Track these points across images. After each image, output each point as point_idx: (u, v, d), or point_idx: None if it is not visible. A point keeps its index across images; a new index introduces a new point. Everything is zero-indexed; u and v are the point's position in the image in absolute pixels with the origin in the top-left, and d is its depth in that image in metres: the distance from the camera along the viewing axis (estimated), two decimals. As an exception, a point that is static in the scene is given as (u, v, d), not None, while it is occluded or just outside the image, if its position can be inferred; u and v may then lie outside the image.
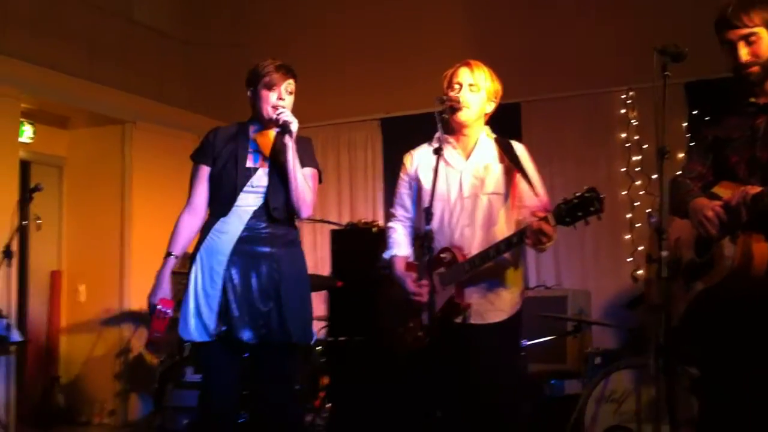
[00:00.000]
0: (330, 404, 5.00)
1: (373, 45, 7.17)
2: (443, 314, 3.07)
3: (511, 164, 3.21)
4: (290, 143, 3.24)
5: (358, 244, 4.53)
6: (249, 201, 3.27)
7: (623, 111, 6.31)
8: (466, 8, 6.95)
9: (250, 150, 3.33)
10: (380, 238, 4.60)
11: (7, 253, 4.90)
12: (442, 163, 3.23)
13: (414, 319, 3.21)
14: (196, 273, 3.24)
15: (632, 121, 6.26)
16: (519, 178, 3.20)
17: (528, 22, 6.74)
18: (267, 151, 3.33)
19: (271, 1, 7.62)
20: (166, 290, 3.27)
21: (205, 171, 3.31)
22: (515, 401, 3.27)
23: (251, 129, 3.37)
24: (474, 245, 3.13)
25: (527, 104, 6.51)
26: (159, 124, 7.06)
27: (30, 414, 6.46)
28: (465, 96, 3.19)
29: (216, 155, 3.30)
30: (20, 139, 6.32)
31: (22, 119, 6.32)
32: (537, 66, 6.54)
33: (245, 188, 3.26)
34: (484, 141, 3.30)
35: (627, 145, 6.24)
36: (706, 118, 5.84)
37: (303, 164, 3.31)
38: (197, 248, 3.28)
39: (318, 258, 6.73)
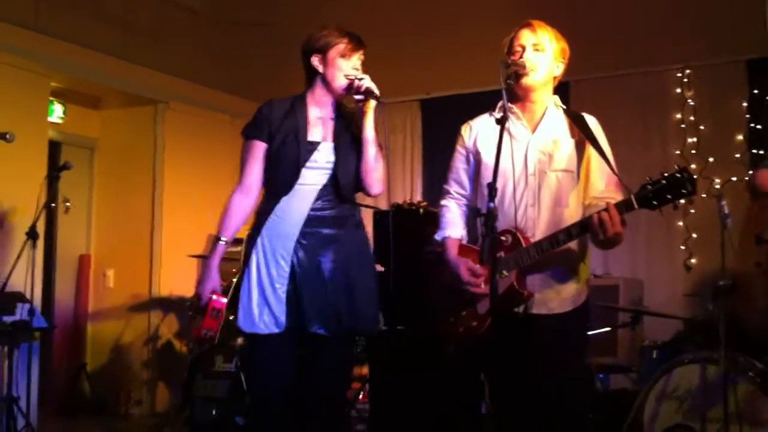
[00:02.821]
0: (368, 396, 4.73)
1: (412, 22, 6.87)
2: (502, 303, 2.77)
3: (584, 139, 2.89)
4: (371, 113, 3.05)
5: (403, 227, 4.23)
6: (313, 178, 3.04)
7: (678, 90, 5.96)
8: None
9: (310, 123, 3.09)
10: (427, 220, 4.34)
11: (32, 233, 4.68)
12: (505, 135, 2.94)
13: (467, 308, 2.91)
14: (258, 259, 2.99)
15: (688, 100, 5.91)
16: (592, 155, 2.89)
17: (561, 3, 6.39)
18: (330, 124, 3.11)
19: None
20: (216, 281, 3.02)
21: (260, 147, 3.05)
22: (582, 403, 2.97)
23: (310, 100, 3.12)
24: (539, 228, 2.83)
25: (577, 83, 6.11)
26: (192, 105, 6.84)
27: (55, 402, 6.31)
28: (530, 58, 2.88)
29: (273, 130, 3.04)
30: (50, 119, 6.13)
31: (51, 98, 6.12)
32: (587, 43, 6.13)
33: (308, 164, 3.02)
34: (552, 112, 2.98)
35: (682, 126, 5.89)
36: (768, 98, 5.68)
37: None
38: (256, 231, 3.02)
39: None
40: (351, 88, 3.05)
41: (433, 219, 4.41)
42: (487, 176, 2.93)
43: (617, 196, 2.79)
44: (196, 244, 6.64)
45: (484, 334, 2.85)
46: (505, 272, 2.80)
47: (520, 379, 2.79)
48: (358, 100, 3.08)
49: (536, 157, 2.89)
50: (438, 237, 3.10)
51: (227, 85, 7.08)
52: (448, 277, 2.99)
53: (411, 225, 4.31)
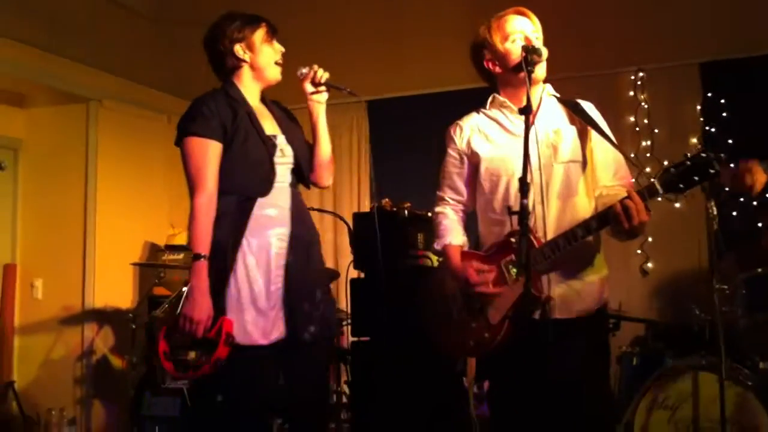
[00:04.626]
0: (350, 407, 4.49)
1: (360, 23, 6.65)
2: (517, 310, 2.56)
3: (585, 126, 2.73)
4: (324, 104, 2.94)
5: (385, 230, 4.02)
6: (282, 174, 2.85)
7: (632, 93, 5.92)
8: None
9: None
10: (411, 222, 4.13)
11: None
12: (501, 131, 2.76)
13: (477, 319, 2.70)
14: (245, 262, 2.74)
15: (642, 103, 5.88)
16: (596, 143, 2.74)
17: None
18: (270, 115, 2.95)
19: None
20: (210, 304, 2.69)
21: (216, 148, 2.78)
22: (608, 414, 2.79)
23: (239, 93, 2.90)
24: (550, 225, 2.65)
25: (529, 86, 6.05)
26: (127, 103, 6.39)
27: (-20, 423, 5.81)
28: (541, 46, 2.71)
29: (229, 127, 2.79)
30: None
31: (-33, 95, 5.63)
32: (539, 45, 6.10)
33: (276, 160, 2.83)
34: (546, 102, 2.82)
35: (636, 129, 5.85)
36: (722, 101, 5.70)
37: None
38: (235, 236, 2.75)
39: (338, 245, 6.31)
40: (303, 79, 2.95)
41: (417, 222, 4.23)
42: (486, 176, 2.78)
43: (626, 187, 2.66)
44: (132, 251, 6.28)
45: (498, 345, 2.64)
46: (515, 274, 2.61)
47: (542, 389, 2.58)
48: (314, 92, 2.97)
49: (540, 150, 2.72)
50: (437, 246, 2.89)
51: (165, 83, 6.67)
52: (451, 286, 2.78)
53: (394, 228, 4.07)
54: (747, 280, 3.77)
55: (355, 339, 4.29)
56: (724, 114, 5.64)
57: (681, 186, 2.38)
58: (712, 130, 5.67)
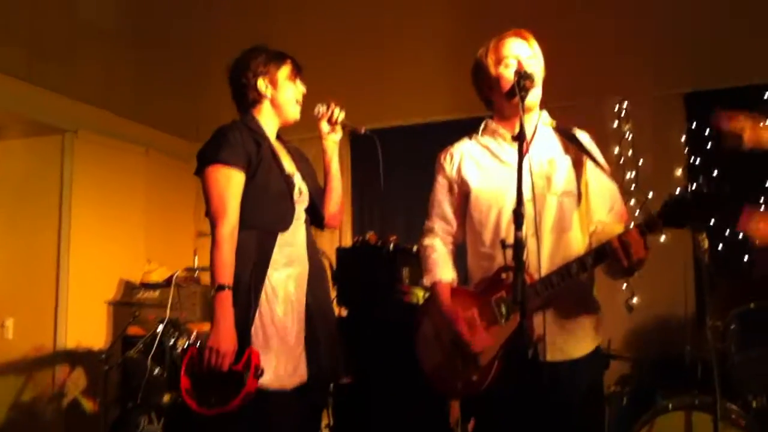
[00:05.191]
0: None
1: (345, 54, 6.57)
2: (508, 351, 2.44)
3: (581, 157, 2.62)
4: (338, 142, 2.98)
5: (370, 265, 3.88)
6: (299, 211, 2.81)
7: (616, 123, 5.86)
8: (446, 18, 6.40)
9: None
10: (398, 257, 3.99)
11: None
12: (493, 159, 2.65)
13: (465, 359, 2.56)
14: (269, 299, 2.66)
15: (626, 134, 5.81)
16: (591, 176, 2.63)
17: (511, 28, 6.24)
18: (286, 154, 2.92)
19: (229, 7, 6.92)
20: (235, 336, 2.58)
21: (241, 178, 2.70)
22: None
23: (260, 127, 2.85)
24: (543, 260, 2.51)
25: (514, 115, 5.98)
26: (104, 134, 6.21)
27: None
28: (534, 70, 2.61)
29: (254, 159, 2.72)
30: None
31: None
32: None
33: (294, 196, 2.79)
34: (542, 130, 2.71)
35: (620, 161, 5.77)
36: (706, 131, 5.65)
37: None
38: (258, 274, 2.66)
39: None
40: (320, 117, 2.95)
41: (403, 256, 4.10)
42: (477, 206, 2.67)
43: (622, 222, 2.54)
44: (106, 289, 6.10)
45: (487, 388, 2.51)
46: (505, 312, 2.49)
47: None
48: (329, 132, 2.95)
49: (532, 181, 2.59)
50: (426, 282, 2.76)
51: (143, 115, 6.52)
52: (440, 326, 2.65)
53: (379, 263, 3.94)
54: (739, 315, 3.66)
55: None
56: (709, 145, 5.58)
57: (682, 221, 2.27)
58: (697, 161, 5.62)
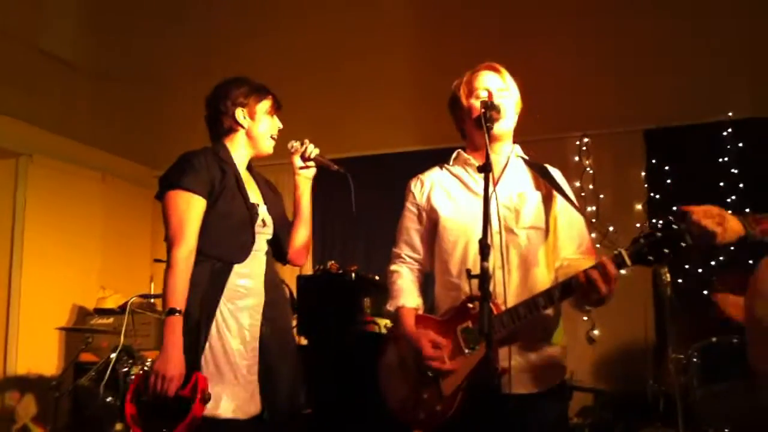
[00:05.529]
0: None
1: (306, 83, 6.55)
2: (472, 382, 2.39)
3: (551, 192, 2.61)
4: (310, 178, 2.93)
5: (331, 294, 3.80)
6: (260, 243, 2.74)
7: (577, 158, 5.91)
8: (409, 52, 6.42)
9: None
10: (360, 286, 3.93)
11: None
12: (463, 190, 2.62)
13: (428, 389, 2.51)
14: (219, 331, 2.60)
15: (587, 169, 5.87)
16: (560, 211, 2.61)
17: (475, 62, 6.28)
18: (254, 185, 2.85)
19: (187, 37, 6.87)
20: (182, 361, 2.50)
21: (201, 204, 2.65)
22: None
23: (229, 155, 2.80)
24: (510, 292, 2.46)
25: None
26: (59, 159, 6.11)
27: None
28: (502, 102, 2.60)
29: (217, 186, 2.68)
30: None
31: None
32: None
33: (257, 228, 2.72)
34: (514, 163, 2.69)
35: (582, 194, 5.81)
36: (666, 167, 5.72)
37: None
38: (211, 302, 2.60)
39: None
40: (294, 152, 2.92)
41: (365, 285, 4.04)
42: (445, 236, 2.63)
43: (591, 259, 2.52)
44: (59, 315, 5.96)
45: (450, 419, 2.45)
46: (474, 346, 2.45)
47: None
48: (303, 167, 2.92)
49: (501, 213, 2.57)
50: (390, 307, 2.70)
51: (100, 140, 6.43)
52: (404, 353, 2.59)
53: (340, 292, 3.87)
54: (702, 349, 3.66)
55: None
56: (669, 180, 5.65)
57: (650, 258, 2.27)
58: (657, 196, 5.69)
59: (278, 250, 2.84)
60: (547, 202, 2.63)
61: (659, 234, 2.24)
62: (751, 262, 4.87)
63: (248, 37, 6.60)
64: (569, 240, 2.61)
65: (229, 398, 2.55)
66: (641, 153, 5.79)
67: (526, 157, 2.74)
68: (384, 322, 3.82)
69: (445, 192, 2.70)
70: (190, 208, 2.62)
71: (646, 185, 5.75)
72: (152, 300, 5.89)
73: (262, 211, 2.77)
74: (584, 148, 5.93)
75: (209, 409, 2.49)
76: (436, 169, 2.78)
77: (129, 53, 6.74)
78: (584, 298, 2.34)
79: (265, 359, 2.65)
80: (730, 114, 5.51)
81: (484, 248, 2.07)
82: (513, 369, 2.41)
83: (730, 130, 5.51)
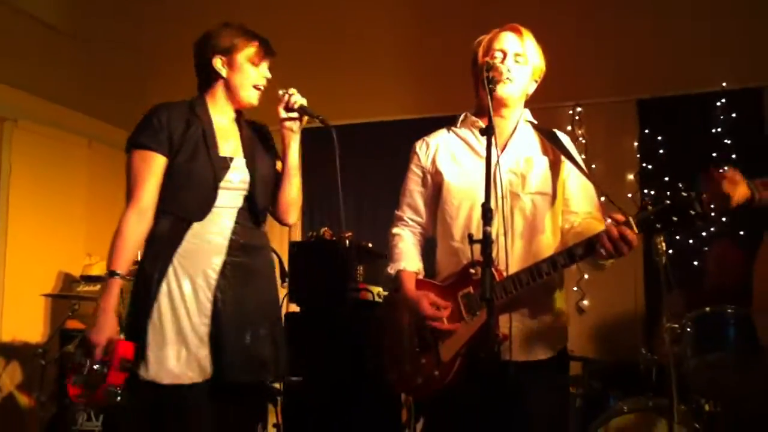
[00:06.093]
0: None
1: (294, 51, 6.44)
2: (472, 348, 2.36)
3: (559, 158, 2.57)
4: (298, 135, 2.72)
5: (325, 261, 3.75)
6: (227, 200, 2.60)
7: (570, 128, 5.87)
8: (396, 21, 6.32)
9: (218, 135, 2.66)
10: (354, 254, 3.88)
11: None
12: (469, 152, 2.58)
13: (427, 354, 2.48)
14: (171, 294, 2.50)
15: (580, 138, 5.83)
16: (569, 175, 2.58)
17: (467, 35, 6.21)
18: (237, 136, 2.69)
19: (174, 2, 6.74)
20: (114, 326, 2.46)
21: (159, 161, 2.57)
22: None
23: (211, 108, 2.69)
24: (513, 258, 2.44)
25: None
26: (45, 125, 6.00)
27: None
28: (510, 66, 2.54)
29: (176, 141, 2.57)
30: None
31: None
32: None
33: (223, 184, 2.58)
34: (523, 128, 2.65)
35: (574, 165, 5.78)
36: (659, 137, 5.70)
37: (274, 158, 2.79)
38: (163, 261, 2.52)
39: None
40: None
41: (359, 253, 4.00)
42: (449, 199, 2.60)
43: (603, 223, 2.49)
44: (45, 282, 5.90)
45: (448, 385, 2.43)
46: (475, 312, 2.42)
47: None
48: (286, 119, 2.70)
49: (507, 178, 2.54)
50: (391, 270, 2.67)
51: (86, 105, 6.32)
52: (402, 317, 2.57)
53: (334, 259, 3.82)
54: (696, 319, 3.65)
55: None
56: (661, 151, 5.63)
57: (658, 226, 2.23)
58: (649, 166, 5.67)
59: (255, 207, 2.67)
60: (555, 167, 2.60)
61: (668, 201, 2.20)
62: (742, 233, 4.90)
63: (234, 9, 6.49)
64: (585, 200, 2.59)
65: (173, 362, 2.46)
66: (634, 123, 5.76)
67: (535, 122, 2.69)
68: (377, 290, 3.79)
69: (451, 155, 2.66)
70: (145, 166, 2.56)
71: (638, 155, 5.73)
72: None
73: (237, 164, 2.63)
74: (577, 117, 5.90)
75: (150, 374, 2.43)
76: (442, 132, 2.74)
77: (114, 16, 6.61)
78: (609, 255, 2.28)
79: (218, 322, 2.53)
80: (724, 84, 5.47)
81: (487, 212, 2.03)
82: (513, 336, 2.39)
83: (723, 100, 5.47)
